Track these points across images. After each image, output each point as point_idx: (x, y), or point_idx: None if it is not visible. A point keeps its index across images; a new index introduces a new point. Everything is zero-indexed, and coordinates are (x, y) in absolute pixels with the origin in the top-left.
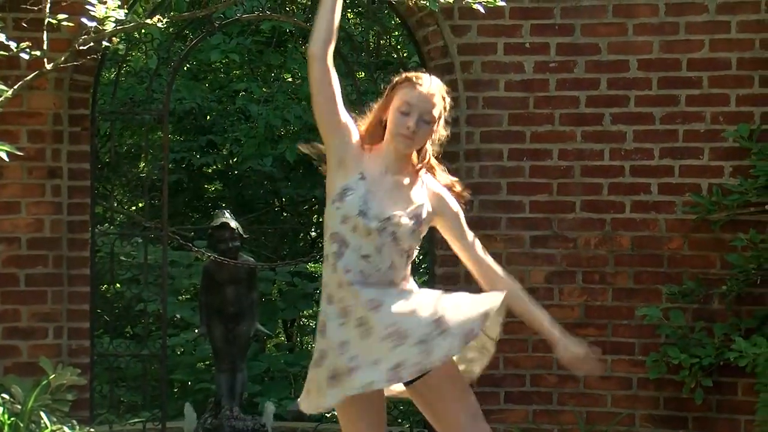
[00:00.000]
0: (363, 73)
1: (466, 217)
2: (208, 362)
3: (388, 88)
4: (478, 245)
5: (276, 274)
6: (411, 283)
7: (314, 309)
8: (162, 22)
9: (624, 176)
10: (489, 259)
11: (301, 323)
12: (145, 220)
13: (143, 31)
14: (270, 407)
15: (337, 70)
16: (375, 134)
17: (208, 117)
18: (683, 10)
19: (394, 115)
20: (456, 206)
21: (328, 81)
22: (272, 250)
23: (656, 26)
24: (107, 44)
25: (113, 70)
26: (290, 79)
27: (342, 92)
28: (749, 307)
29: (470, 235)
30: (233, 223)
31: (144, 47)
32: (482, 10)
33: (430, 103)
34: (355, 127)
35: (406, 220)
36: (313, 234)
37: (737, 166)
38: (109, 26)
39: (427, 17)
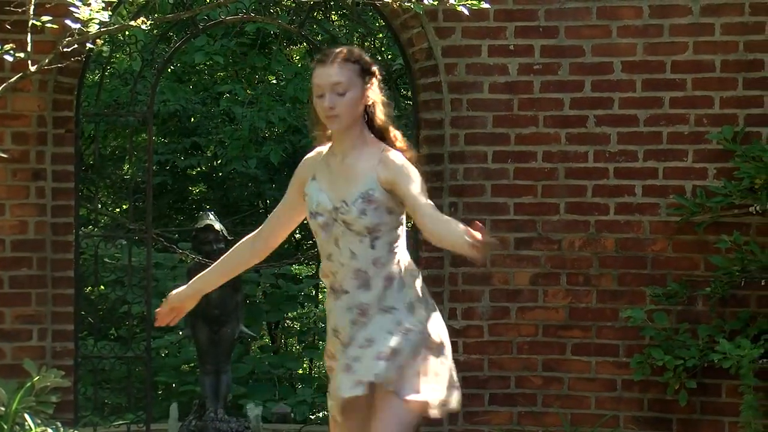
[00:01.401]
0: None
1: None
2: (192, 364)
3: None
4: (427, 203)
5: (260, 276)
6: (402, 270)
7: (299, 311)
8: (146, 24)
9: (608, 178)
10: (438, 214)
11: (286, 325)
12: (129, 222)
13: (127, 33)
14: (254, 410)
15: None
16: (318, 125)
17: (193, 119)
18: (667, 12)
19: (315, 102)
20: (401, 169)
21: (274, 226)
22: None
23: (640, 28)
24: (91, 46)
25: (97, 72)
26: (274, 81)
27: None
28: (733, 308)
29: (422, 197)
30: (217, 225)
31: (128, 49)
32: (466, 13)
33: (335, 75)
34: (298, 173)
35: (351, 203)
36: (298, 236)
37: (721, 168)
38: (93, 28)
39: (411, 19)
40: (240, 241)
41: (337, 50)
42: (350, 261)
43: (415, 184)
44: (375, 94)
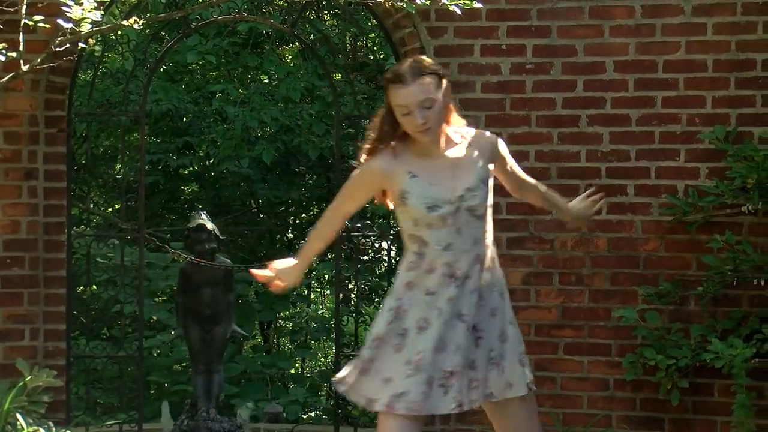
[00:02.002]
0: (340, 75)
1: None
2: (184, 364)
3: (384, 89)
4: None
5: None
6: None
7: (291, 311)
8: (138, 23)
9: (600, 178)
10: (530, 181)
11: (278, 325)
12: (121, 221)
13: (119, 32)
14: (245, 410)
15: (314, 72)
16: (395, 133)
17: (185, 118)
18: (659, 12)
19: (401, 120)
20: (499, 146)
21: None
22: (249, 251)
23: (632, 28)
24: (83, 46)
25: (89, 71)
26: (267, 81)
27: (319, 94)
28: (725, 308)
29: (516, 165)
30: (210, 225)
31: (120, 49)
32: (459, 12)
33: (419, 93)
34: (372, 172)
35: (476, 189)
36: (290, 235)
37: (713, 167)
38: (86, 28)
39: (403, 19)
40: (322, 219)
41: (409, 67)
42: (472, 246)
43: (509, 159)
44: (445, 90)
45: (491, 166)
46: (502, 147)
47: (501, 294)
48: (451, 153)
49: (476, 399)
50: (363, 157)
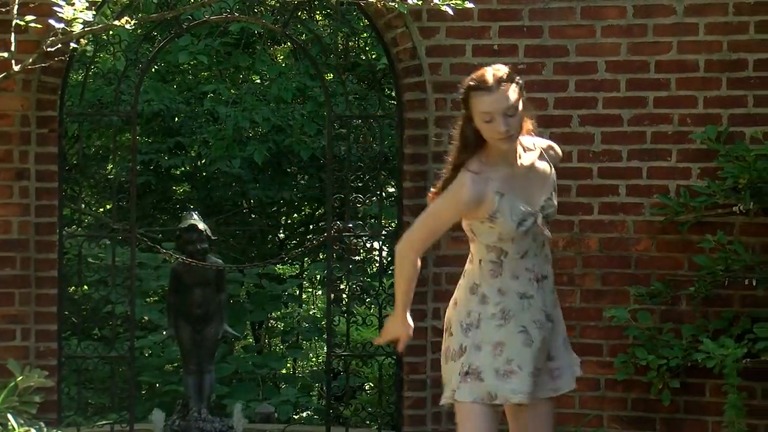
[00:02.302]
0: (331, 75)
1: None
2: (176, 364)
3: (463, 99)
4: None
5: (244, 276)
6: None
7: (282, 311)
8: (130, 23)
9: (592, 178)
10: None
11: (270, 325)
12: (113, 221)
13: (111, 32)
14: (239, 409)
15: (305, 72)
16: (477, 141)
17: (176, 119)
18: (651, 12)
19: (482, 127)
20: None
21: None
22: (240, 251)
23: (624, 28)
24: (75, 46)
25: (81, 71)
26: (258, 81)
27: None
28: (717, 308)
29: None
30: (201, 225)
31: (112, 49)
32: (451, 12)
33: (503, 100)
34: (467, 196)
35: (552, 197)
36: (282, 235)
37: (705, 168)
38: (77, 28)
39: (395, 19)
40: (409, 259)
41: (494, 74)
42: (542, 249)
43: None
44: (525, 101)
45: (554, 174)
46: (553, 167)
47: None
48: (527, 161)
49: (559, 387)
50: (449, 170)
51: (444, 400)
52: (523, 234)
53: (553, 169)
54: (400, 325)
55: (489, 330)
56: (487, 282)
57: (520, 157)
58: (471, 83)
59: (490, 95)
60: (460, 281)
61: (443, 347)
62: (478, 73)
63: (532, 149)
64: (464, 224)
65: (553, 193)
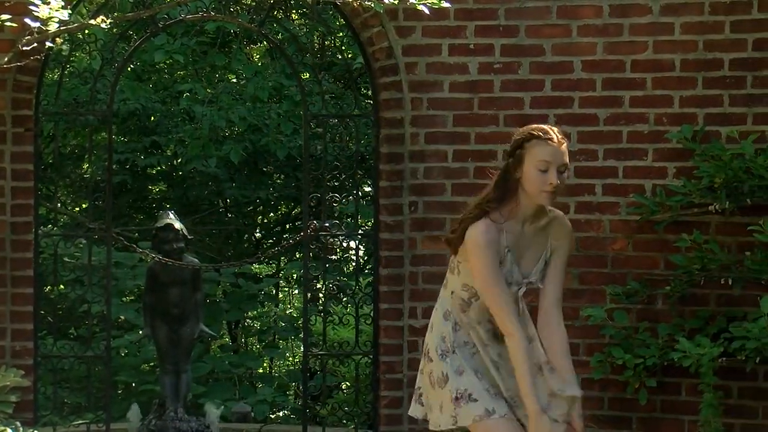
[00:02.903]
0: (308, 74)
1: (411, 219)
2: (152, 363)
3: (514, 147)
4: (559, 290)
5: (220, 275)
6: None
7: (259, 310)
8: (106, 22)
9: (568, 177)
10: (556, 312)
11: (246, 325)
12: (88, 221)
13: (87, 31)
14: (213, 409)
15: (281, 71)
16: (511, 194)
17: (152, 118)
18: (627, 11)
19: (533, 174)
20: (569, 237)
21: None
22: (217, 251)
23: (600, 28)
24: (51, 45)
25: (57, 70)
26: (234, 80)
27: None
28: (693, 307)
29: (561, 273)
30: (177, 224)
31: (88, 48)
32: (427, 12)
33: (562, 155)
34: (489, 241)
35: (539, 273)
36: (258, 235)
37: (681, 167)
38: (53, 27)
39: (371, 18)
40: (519, 336)
41: (557, 130)
42: (522, 315)
43: (566, 258)
44: None
45: (551, 248)
46: (568, 237)
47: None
48: (538, 226)
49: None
50: (471, 212)
51: (434, 427)
52: (513, 295)
53: (552, 243)
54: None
55: (465, 356)
56: (457, 313)
57: (535, 220)
58: (533, 132)
59: (554, 146)
60: (436, 305)
61: (427, 368)
62: (538, 125)
63: (546, 216)
64: (454, 258)
65: (545, 265)
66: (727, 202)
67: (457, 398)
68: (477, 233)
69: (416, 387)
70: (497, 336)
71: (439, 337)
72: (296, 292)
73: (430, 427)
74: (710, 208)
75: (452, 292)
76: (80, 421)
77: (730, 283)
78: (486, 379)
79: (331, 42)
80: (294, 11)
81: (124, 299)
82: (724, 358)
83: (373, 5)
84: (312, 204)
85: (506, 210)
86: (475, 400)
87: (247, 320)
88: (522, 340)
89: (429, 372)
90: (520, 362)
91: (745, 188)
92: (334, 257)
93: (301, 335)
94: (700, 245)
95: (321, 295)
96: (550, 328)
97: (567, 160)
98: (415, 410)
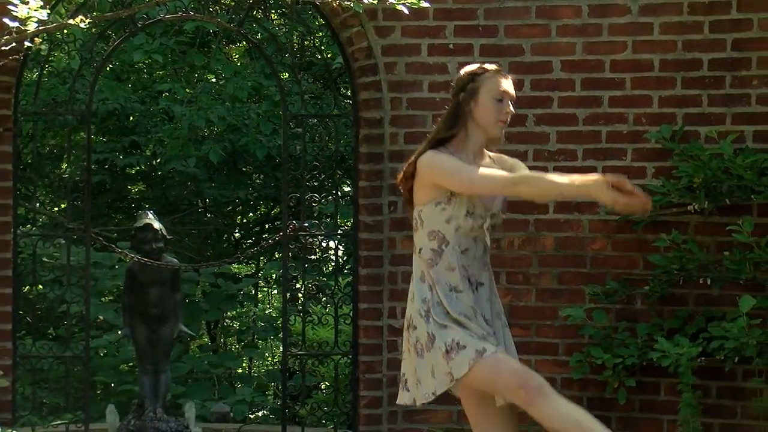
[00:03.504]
0: (287, 74)
1: (391, 218)
2: (131, 364)
3: (465, 81)
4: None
5: (200, 275)
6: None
7: (238, 310)
8: (85, 22)
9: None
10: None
11: (225, 324)
12: (67, 221)
13: (66, 31)
14: (191, 408)
15: (261, 71)
16: (460, 126)
17: (132, 118)
18: (606, 11)
19: (490, 104)
20: (509, 159)
21: None
22: (196, 251)
23: (579, 28)
24: (29, 45)
25: (35, 70)
26: (214, 80)
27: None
28: (672, 307)
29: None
30: (157, 224)
31: (66, 47)
32: (406, 12)
33: (513, 88)
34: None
35: (500, 207)
36: (237, 235)
37: (660, 167)
38: (32, 26)
39: (351, 18)
40: (516, 179)
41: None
42: (483, 255)
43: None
44: None
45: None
46: (507, 162)
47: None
48: (483, 161)
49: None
50: (425, 147)
51: (423, 400)
52: (468, 227)
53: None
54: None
55: (440, 314)
56: (428, 270)
57: (481, 156)
58: (485, 67)
59: (508, 80)
60: (412, 274)
61: (409, 345)
62: (481, 63)
63: (487, 157)
64: (414, 212)
65: (503, 199)
66: (706, 202)
67: (447, 351)
68: (428, 154)
69: (401, 374)
70: (471, 282)
71: (420, 299)
72: (275, 292)
73: (419, 402)
74: (689, 208)
75: (420, 250)
76: (59, 422)
77: (708, 282)
78: (473, 322)
79: (310, 42)
80: (273, 11)
81: (103, 299)
82: (702, 358)
83: (352, 5)
84: (291, 204)
85: (453, 145)
86: (464, 347)
87: (227, 320)
88: (525, 171)
89: (414, 343)
90: (544, 178)
91: (723, 188)
92: (313, 257)
93: (280, 335)
94: (678, 245)
95: (300, 295)
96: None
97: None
98: (402, 398)
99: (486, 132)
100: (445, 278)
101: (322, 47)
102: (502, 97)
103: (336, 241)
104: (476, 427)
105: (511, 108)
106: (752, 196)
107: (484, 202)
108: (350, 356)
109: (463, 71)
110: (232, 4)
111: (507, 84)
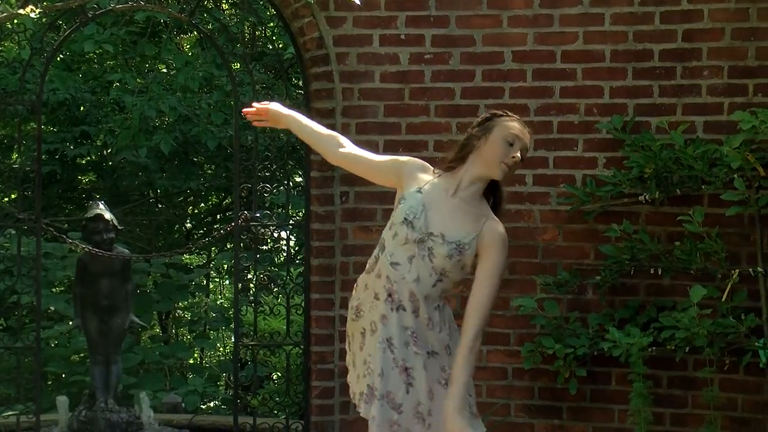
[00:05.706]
0: (238, 64)
1: (342, 209)
2: (82, 354)
3: (484, 119)
4: (484, 290)
5: (151, 266)
6: (444, 316)
7: (189, 301)
8: (35, 12)
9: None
10: (476, 308)
11: (176, 315)
12: (18, 211)
13: (16, 21)
14: (146, 399)
15: (212, 61)
16: (464, 160)
17: (82, 108)
18: (557, 2)
19: (499, 143)
20: (499, 244)
21: (356, 162)
22: (147, 241)
23: (530, 18)
24: None
25: None
26: (165, 70)
27: (218, 83)
28: (623, 297)
29: (488, 277)
30: (108, 215)
31: (17, 37)
32: (357, 2)
33: (528, 141)
34: (408, 164)
35: (448, 241)
36: (188, 225)
37: (611, 157)
38: None
39: (302, 8)
40: (334, 136)
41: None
42: (412, 282)
43: (495, 264)
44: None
45: (478, 248)
46: (496, 243)
47: (441, 368)
48: (464, 206)
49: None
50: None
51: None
52: (404, 236)
53: (477, 241)
54: (284, 116)
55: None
56: (361, 276)
57: (465, 197)
58: (508, 112)
59: (526, 130)
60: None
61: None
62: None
63: (483, 212)
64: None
65: (456, 251)
66: (657, 192)
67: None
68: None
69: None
70: (396, 303)
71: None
72: (227, 282)
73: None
74: (640, 198)
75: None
76: (10, 413)
77: (659, 272)
78: (353, 347)
79: (261, 32)
80: (224, 1)
81: (53, 290)
82: (653, 348)
83: None
84: (243, 194)
85: (447, 173)
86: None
87: (178, 311)
88: (331, 138)
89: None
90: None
91: (674, 178)
92: (265, 247)
93: (232, 326)
94: (629, 235)
95: (252, 285)
96: (465, 321)
97: (526, 153)
98: (366, 411)
99: (487, 168)
100: (371, 284)
101: (274, 37)
102: (513, 141)
103: (288, 232)
104: None
105: (519, 155)
106: (703, 187)
107: (431, 219)
108: (302, 346)
109: (486, 111)
110: None
111: (523, 133)
